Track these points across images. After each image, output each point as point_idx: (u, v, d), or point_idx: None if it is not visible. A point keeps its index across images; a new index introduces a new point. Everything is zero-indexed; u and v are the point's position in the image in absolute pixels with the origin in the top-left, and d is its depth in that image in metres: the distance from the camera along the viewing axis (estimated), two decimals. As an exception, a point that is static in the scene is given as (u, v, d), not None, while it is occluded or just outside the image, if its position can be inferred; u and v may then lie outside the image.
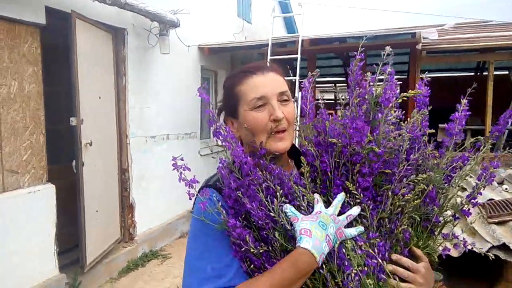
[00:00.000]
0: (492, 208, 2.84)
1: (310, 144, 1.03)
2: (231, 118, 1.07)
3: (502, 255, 2.40)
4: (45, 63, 3.47)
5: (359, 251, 0.87)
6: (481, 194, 0.98)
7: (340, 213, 0.91)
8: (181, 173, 0.96)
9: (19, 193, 3.13)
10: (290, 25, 10.96)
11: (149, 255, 4.61)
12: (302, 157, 0.98)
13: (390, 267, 0.90)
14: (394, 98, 1.02)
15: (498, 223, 2.69)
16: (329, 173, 0.97)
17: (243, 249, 0.91)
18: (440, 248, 1.00)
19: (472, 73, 9.60)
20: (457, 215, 1.00)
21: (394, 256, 0.91)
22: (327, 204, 0.93)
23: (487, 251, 2.47)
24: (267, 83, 1.00)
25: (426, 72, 1.10)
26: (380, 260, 0.87)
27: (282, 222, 0.90)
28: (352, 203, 0.93)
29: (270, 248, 0.92)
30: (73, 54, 3.43)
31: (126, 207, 4.47)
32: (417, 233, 0.98)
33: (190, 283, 0.94)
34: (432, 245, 0.99)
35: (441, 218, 1.00)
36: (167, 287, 3.91)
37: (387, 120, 0.99)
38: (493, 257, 0.94)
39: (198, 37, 5.96)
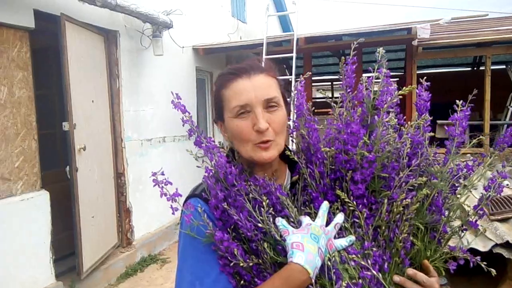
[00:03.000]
0: (494, 205, 2.79)
1: (300, 154, 0.99)
2: (219, 121, 1.01)
3: (505, 253, 2.35)
4: (37, 67, 3.42)
5: (352, 263, 0.83)
6: (488, 204, 0.94)
7: (327, 223, 0.87)
8: (162, 187, 0.91)
9: (12, 200, 3.07)
10: (285, 24, 10.90)
11: (148, 259, 4.56)
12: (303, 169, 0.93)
13: (397, 278, 0.86)
14: (389, 98, 0.98)
15: (501, 220, 2.64)
16: (316, 184, 0.93)
17: (232, 263, 0.87)
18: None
19: (469, 68, 9.57)
20: (464, 227, 0.95)
21: (410, 271, 0.86)
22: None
23: (491, 249, 2.43)
24: (251, 89, 0.91)
25: (425, 78, 1.05)
26: (375, 272, 0.82)
27: (272, 233, 0.85)
28: (347, 212, 0.88)
29: (260, 260, 0.88)
30: (64, 58, 3.37)
31: (123, 212, 4.42)
32: (424, 243, 0.92)
33: None
34: (439, 257, 0.94)
35: (448, 229, 0.95)
36: (166, 292, 3.87)
37: (385, 124, 0.94)
38: (487, 269, 0.90)
39: (192, 38, 5.91)
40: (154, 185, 0.94)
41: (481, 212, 0.96)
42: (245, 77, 0.93)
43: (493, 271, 0.87)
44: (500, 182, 0.93)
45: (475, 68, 9.46)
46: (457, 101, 0.98)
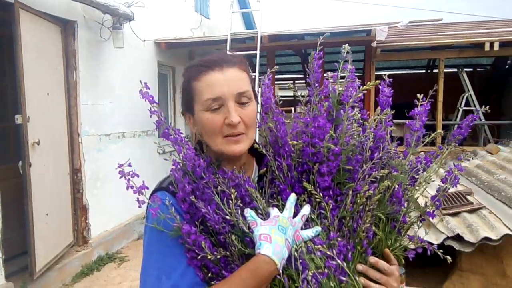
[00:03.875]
0: (446, 200, 2.94)
1: (268, 147, 0.99)
2: (187, 113, 0.99)
3: (456, 246, 2.49)
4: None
5: (318, 253, 0.85)
6: (445, 196, 0.98)
7: (294, 215, 0.88)
8: (128, 180, 0.88)
9: (-43, 197, 2.88)
10: (248, 21, 10.90)
11: (105, 258, 4.42)
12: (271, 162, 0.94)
13: (360, 267, 0.88)
14: (354, 93, 1.00)
15: (452, 215, 2.79)
16: (284, 176, 0.94)
17: (199, 256, 0.86)
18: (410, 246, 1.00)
19: (423, 71, 10.01)
20: (422, 217, 1.00)
21: (372, 259, 0.89)
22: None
23: (442, 242, 2.57)
24: (224, 82, 0.90)
25: (387, 74, 1.09)
26: (340, 261, 0.84)
27: (240, 225, 0.86)
28: (314, 203, 0.90)
29: (228, 253, 0.88)
30: (18, 47, 3.20)
31: (79, 209, 4.26)
32: (385, 233, 0.96)
33: None
34: (399, 246, 0.98)
35: (407, 219, 0.99)
36: (124, 291, 3.77)
37: (351, 118, 0.97)
38: (443, 256, 0.95)
39: (154, 32, 5.78)
40: (121, 177, 0.91)
41: (438, 203, 1.01)
42: (217, 70, 0.91)
43: (449, 258, 0.92)
44: (456, 174, 0.98)
45: (429, 71, 9.91)
46: (418, 95, 1.03)
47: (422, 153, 1.07)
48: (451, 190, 1.12)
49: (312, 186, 0.90)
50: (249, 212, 0.86)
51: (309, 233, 0.87)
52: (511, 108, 8.36)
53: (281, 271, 0.81)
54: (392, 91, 1.06)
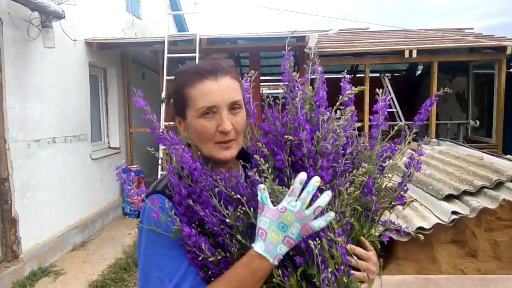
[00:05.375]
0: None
1: (262, 145, 1.04)
2: (178, 117, 1.01)
3: (394, 236, 2.74)
4: None
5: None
6: (411, 181, 1.10)
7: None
8: (127, 184, 0.89)
9: None
10: (180, 23, 10.78)
11: (38, 273, 4.11)
12: (256, 156, 0.96)
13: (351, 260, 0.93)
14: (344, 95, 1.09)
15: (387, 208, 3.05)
16: (287, 170, 0.99)
17: (200, 258, 0.89)
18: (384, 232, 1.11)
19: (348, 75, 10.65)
20: (393, 203, 1.11)
21: (348, 246, 0.94)
22: None
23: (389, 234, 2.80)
24: (219, 91, 0.94)
25: (346, 71, 1.19)
26: (353, 257, 0.91)
27: (238, 224, 0.88)
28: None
29: (227, 254, 0.91)
30: None
31: (8, 222, 3.91)
32: (360, 223, 1.06)
33: None
34: (374, 232, 1.08)
35: (378, 207, 1.10)
36: (64, 306, 3.55)
37: (333, 118, 1.06)
38: (423, 238, 1.08)
39: (85, 31, 5.50)
40: (117, 180, 0.91)
41: (405, 188, 1.12)
42: (211, 78, 0.95)
43: (421, 237, 1.03)
44: (418, 159, 1.10)
45: (352, 75, 10.60)
46: (377, 89, 1.14)
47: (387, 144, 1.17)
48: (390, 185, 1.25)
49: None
50: (261, 191, 0.83)
51: (321, 222, 0.82)
52: (425, 109, 9.24)
53: (275, 264, 0.83)
54: (353, 88, 1.17)
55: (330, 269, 0.84)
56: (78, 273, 4.21)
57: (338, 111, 1.12)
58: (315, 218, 0.83)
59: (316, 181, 0.83)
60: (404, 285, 2.21)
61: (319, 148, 0.99)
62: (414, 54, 5.82)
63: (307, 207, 0.82)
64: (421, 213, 2.90)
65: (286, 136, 0.98)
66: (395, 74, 10.45)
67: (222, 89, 0.95)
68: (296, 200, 0.82)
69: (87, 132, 5.50)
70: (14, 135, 4.00)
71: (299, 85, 1.10)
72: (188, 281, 0.88)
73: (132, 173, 6.28)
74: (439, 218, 2.76)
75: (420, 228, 2.70)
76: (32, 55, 4.29)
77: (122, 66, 6.57)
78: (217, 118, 0.94)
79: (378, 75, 7.93)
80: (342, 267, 0.86)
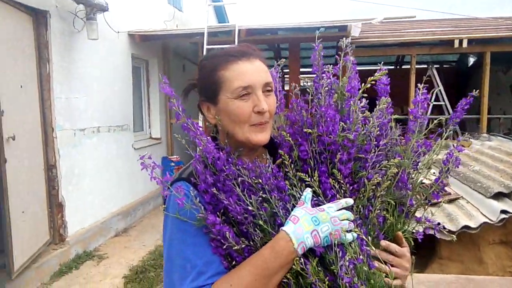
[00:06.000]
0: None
1: (287, 135, 1.01)
2: (208, 103, 0.99)
3: (437, 234, 2.60)
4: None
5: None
6: (448, 177, 1.02)
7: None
8: (152, 171, 0.88)
9: None
10: (221, 15, 10.84)
11: (83, 256, 4.31)
12: (281, 151, 0.95)
13: (372, 251, 0.91)
14: (359, 89, 1.04)
15: (431, 205, 2.91)
16: (310, 161, 0.95)
17: (224, 246, 0.87)
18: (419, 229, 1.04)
19: (393, 67, 10.29)
20: (429, 199, 1.04)
21: (383, 243, 0.92)
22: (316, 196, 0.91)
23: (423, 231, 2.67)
24: (254, 71, 0.93)
25: (382, 62, 1.12)
26: (371, 247, 0.87)
27: (261, 215, 0.87)
28: (339, 192, 0.92)
29: (251, 242, 0.89)
30: (-11, 38, 3.05)
31: (55, 206, 4.12)
32: (394, 217, 1.00)
33: (171, 281, 0.90)
34: (408, 228, 1.01)
35: (414, 202, 1.03)
36: (105, 289, 3.70)
37: (359, 109, 1.00)
38: (455, 239, 1.00)
39: (127, 23, 5.64)
40: (142, 169, 0.90)
41: (441, 184, 1.05)
42: (245, 59, 0.94)
43: (453, 237, 0.96)
44: (456, 155, 1.02)
45: (398, 67, 10.20)
46: (419, 84, 1.07)
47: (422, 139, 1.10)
48: (427, 181, 1.17)
49: (340, 174, 0.92)
50: (308, 192, 0.89)
51: (349, 237, 0.85)
52: (477, 102, 8.76)
53: (299, 254, 0.82)
54: (389, 79, 1.10)
55: (347, 257, 0.82)
56: (120, 258, 4.37)
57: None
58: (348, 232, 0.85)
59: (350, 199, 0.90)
60: (443, 284, 2.09)
61: (340, 139, 0.94)
62: (465, 44, 5.49)
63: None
64: (467, 211, 2.74)
65: (305, 130, 0.95)
66: (444, 66, 9.94)
67: (257, 69, 0.94)
68: (335, 210, 0.86)
69: (129, 122, 5.67)
70: (61, 124, 4.18)
71: (330, 75, 1.06)
72: (212, 269, 0.87)
73: (172, 163, 6.42)
74: (487, 217, 2.59)
75: (466, 227, 2.55)
76: (78, 47, 4.46)
77: (164, 58, 6.70)
78: (253, 98, 0.93)
79: (425, 66, 7.55)
80: (361, 256, 0.84)
